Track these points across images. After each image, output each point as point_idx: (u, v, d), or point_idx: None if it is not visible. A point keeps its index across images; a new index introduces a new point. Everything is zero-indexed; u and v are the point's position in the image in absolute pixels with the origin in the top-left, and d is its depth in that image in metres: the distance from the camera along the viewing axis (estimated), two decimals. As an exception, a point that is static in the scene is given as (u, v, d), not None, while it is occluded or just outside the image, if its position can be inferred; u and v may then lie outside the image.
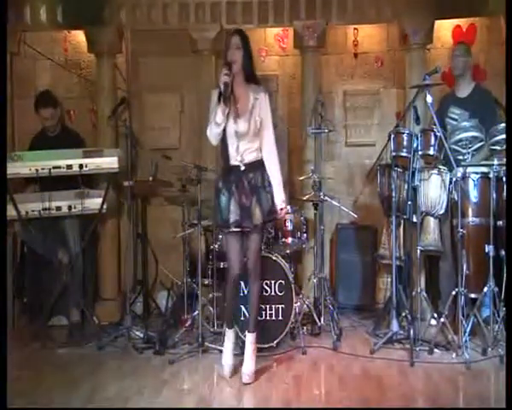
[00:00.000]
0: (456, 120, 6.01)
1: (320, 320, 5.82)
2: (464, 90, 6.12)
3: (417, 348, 5.10)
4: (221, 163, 4.75)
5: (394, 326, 5.39)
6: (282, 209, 4.80)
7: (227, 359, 4.80)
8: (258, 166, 4.73)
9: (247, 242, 4.73)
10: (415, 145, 5.34)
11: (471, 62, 6.16)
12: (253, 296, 4.85)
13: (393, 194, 5.48)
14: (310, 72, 6.68)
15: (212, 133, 4.64)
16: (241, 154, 4.68)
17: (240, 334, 5.08)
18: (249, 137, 4.69)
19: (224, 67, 4.63)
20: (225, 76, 4.58)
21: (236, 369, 4.83)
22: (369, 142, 6.97)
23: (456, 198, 5.34)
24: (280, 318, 5.42)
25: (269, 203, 4.72)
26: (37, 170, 5.81)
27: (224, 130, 4.64)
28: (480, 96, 6.05)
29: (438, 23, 6.58)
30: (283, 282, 5.43)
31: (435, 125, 5.34)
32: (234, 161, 4.68)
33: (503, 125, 5.37)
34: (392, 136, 5.53)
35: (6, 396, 3.78)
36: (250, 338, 4.81)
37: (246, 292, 5.16)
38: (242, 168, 4.68)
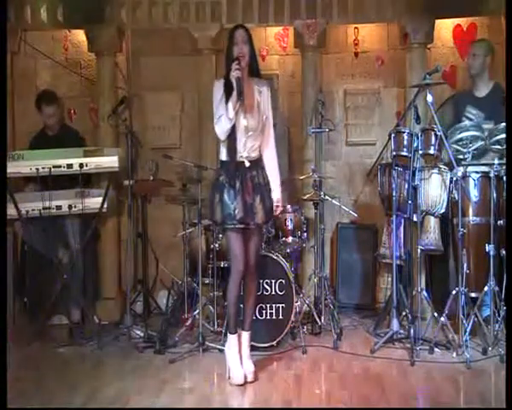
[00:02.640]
0: (472, 120, 5.93)
1: (320, 319, 5.82)
2: (482, 89, 6.04)
3: (418, 348, 5.11)
4: (225, 158, 4.67)
5: (395, 326, 5.39)
6: (277, 206, 4.82)
7: (237, 367, 4.68)
8: (259, 163, 4.74)
9: (248, 240, 4.71)
10: (415, 144, 5.34)
11: (490, 60, 6.02)
12: (252, 295, 4.83)
13: (394, 193, 5.48)
14: (310, 71, 6.67)
15: (223, 129, 4.58)
16: (247, 150, 4.65)
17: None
18: (256, 133, 4.68)
19: (234, 62, 4.58)
20: (237, 70, 4.54)
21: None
22: (370, 141, 6.98)
23: (456, 197, 5.34)
24: (280, 317, 5.42)
25: (271, 202, 4.74)
26: (37, 169, 5.81)
27: (233, 125, 4.61)
28: (498, 97, 5.85)
29: (438, 22, 6.57)
30: (284, 281, 5.43)
31: (436, 124, 5.34)
32: (239, 157, 4.63)
33: (504, 124, 5.37)
34: (393, 135, 5.53)
35: (6, 396, 3.78)
36: (247, 337, 4.79)
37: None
38: (247, 165, 4.65)
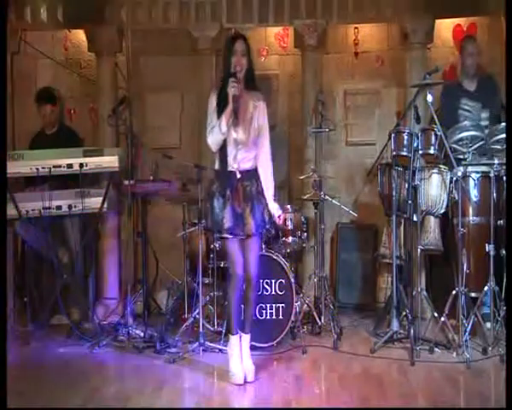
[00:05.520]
0: (470, 111, 6.06)
1: (320, 319, 5.82)
2: (472, 83, 6.15)
3: (418, 348, 5.10)
4: (217, 167, 4.68)
5: (395, 325, 5.39)
6: (279, 217, 4.82)
7: (238, 367, 4.67)
8: (253, 174, 4.72)
9: (246, 249, 4.69)
10: (415, 144, 5.34)
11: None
12: (252, 303, 4.81)
13: (394, 193, 5.48)
14: (310, 71, 6.68)
15: (215, 141, 4.59)
16: (238, 162, 4.66)
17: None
18: (248, 145, 4.67)
19: (231, 78, 4.57)
20: (234, 88, 4.54)
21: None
22: (370, 141, 6.98)
23: (456, 197, 5.34)
24: (280, 317, 5.42)
25: (262, 214, 4.70)
26: (37, 169, 5.81)
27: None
28: (488, 85, 6.12)
29: (438, 22, 6.58)
30: (284, 281, 5.43)
31: (436, 123, 5.34)
32: (230, 167, 4.65)
33: (504, 124, 5.38)
34: (393, 135, 5.54)
35: (6, 396, 3.78)
36: (247, 338, 4.78)
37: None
38: (238, 176, 4.66)
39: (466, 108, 6.08)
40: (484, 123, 5.87)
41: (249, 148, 4.69)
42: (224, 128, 4.56)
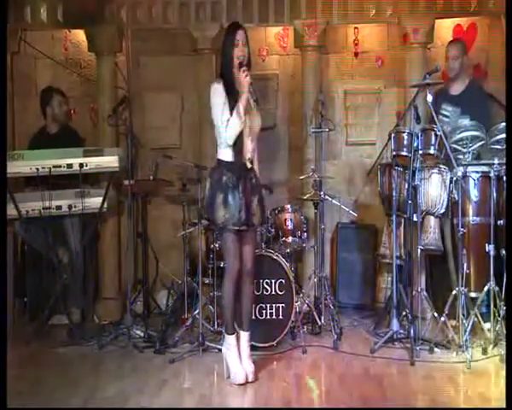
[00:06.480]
0: (447, 117, 6.05)
1: (320, 319, 5.82)
2: (458, 87, 6.15)
3: (418, 348, 5.10)
4: (230, 159, 4.63)
5: (395, 325, 5.39)
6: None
7: (238, 367, 4.67)
8: (253, 164, 4.76)
9: (245, 242, 4.71)
10: (415, 144, 5.34)
11: (466, 59, 6.18)
12: (251, 296, 4.83)
13: (394, 193, 5.48)
14: (310, 71, 6.67)
15: (235, 131, 4.56)
16: (250, 151, 4.68)
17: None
18: (255, 134, 4.71)
19: (241, 68, 4.59)
20: (248, 76, 4.57)
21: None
22: (370, 141, 6.98)
23: (456, 197, 5.34)
24: (280, 317, 5.42)
25: (265, 203, 4.79)
26: (37, 169, 5.81)
27: None
28: (473, 93, 6.09)
29: (438, 22, 6.57)
30: (284, 281, 5.43)
31: (436, 124, 5.34)
32: (243, 158, 4.65)
33: (504, 124, 5.38)
34: (393, 135, 5.54)
35: (6, 396, 3.78)
36: (246, 337, 4.77)
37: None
38: (249, 166, 4.68)
39: (444, 112, 6.08)
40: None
41: (255, 137, 4.73)
42: (243, 117, 4.57)
